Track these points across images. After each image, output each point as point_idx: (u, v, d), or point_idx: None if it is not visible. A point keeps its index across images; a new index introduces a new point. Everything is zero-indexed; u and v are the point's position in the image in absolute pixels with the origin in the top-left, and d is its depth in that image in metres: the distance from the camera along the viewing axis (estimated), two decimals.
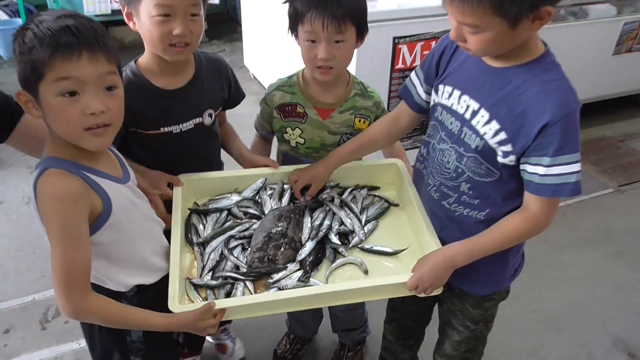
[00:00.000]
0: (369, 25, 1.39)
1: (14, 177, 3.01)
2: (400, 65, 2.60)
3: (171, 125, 1.37)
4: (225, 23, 5.49)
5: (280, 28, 3.14)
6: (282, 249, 1.28)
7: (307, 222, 1.39)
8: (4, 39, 4.47)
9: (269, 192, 1.47)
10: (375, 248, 1.34)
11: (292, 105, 1.48)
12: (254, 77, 4.18)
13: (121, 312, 1.05)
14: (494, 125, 1.08)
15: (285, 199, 1.44)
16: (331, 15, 1.28)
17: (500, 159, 1.10)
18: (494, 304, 1.39)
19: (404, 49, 2.56)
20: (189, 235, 1.33)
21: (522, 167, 1.09)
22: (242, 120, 1.82)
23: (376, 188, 1.55)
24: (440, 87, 1.22)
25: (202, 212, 1.40)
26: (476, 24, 0.97)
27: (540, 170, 1.05)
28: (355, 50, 1.40)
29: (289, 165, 1.51)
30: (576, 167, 1.03)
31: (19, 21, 4.48)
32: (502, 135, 1.07)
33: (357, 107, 1.49)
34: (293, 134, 1.50)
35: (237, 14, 5.08)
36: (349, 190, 1.51)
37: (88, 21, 0.95)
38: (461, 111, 1.15)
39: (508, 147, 1.08)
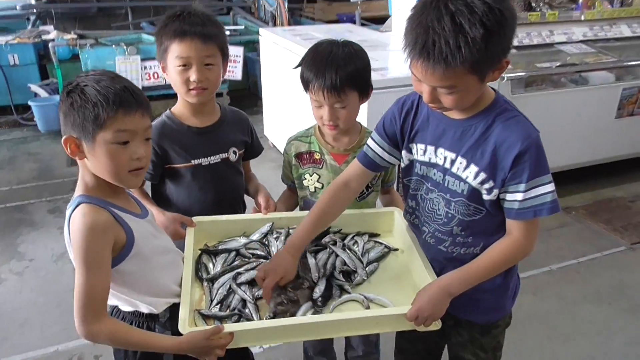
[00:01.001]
0: (380, 91, 1.55)
1: (44, 237, 3.20)
2: None
3: (200, 158, 1.60)
4: (247, 98, 5.87)
5: (295, 102, 3.43)
6: (300, 289, 1.35)
7: (312, 262, 1.47)
8: (43, 114, 4.87)
9: (275, 235, 1.58)
10: (376, 300, 1.35)
11: (309, 153, 1.63)
12: (273, 145, 4.41)
13: (128, 334, 1.15)
14: (473, 168, 1.19)
15: None
16: (330, 86, 1.43)
17: (485, 197, 1.20)
18: (501, 331, 1.44)
19: None
20: (199, 272, 1.44)
21: (501, 196, 1.19)
22: (262, 182, 1.92)
23: (376, 235, 1.63)
24: (413, 146, 1.32)
25: (212, 252, 1.51)
26: (453, 84, 1.08)
27: (519, 196, 1.15)
28: (367, 113, 1.55)
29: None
30: (550, 187, 1.14)
31: (57, 98, 4.87)
32: (482, 175, 1.18)
33: None
34: (311, 179, 1.63)
35: (258, 89, 5.44)
36: (350, 236, 1.61)
37: (135, 86, 1.17)
38: (440, 163, 1.26)
39: (490, 184, 1.18)
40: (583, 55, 3.39)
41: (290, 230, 1.57)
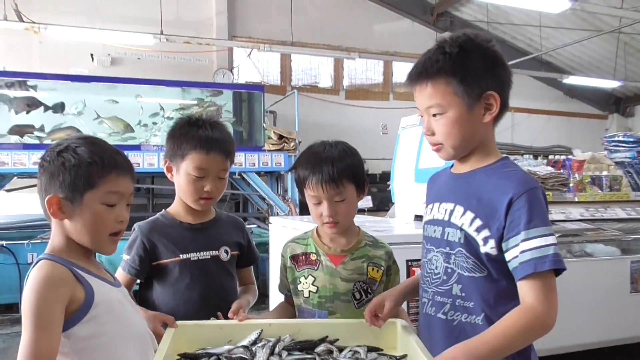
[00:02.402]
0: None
1: None
2: None
3: (189, 253, 1.55)
4: None
5: None
6: None
7: None
8: None
9: (263, 342, 1.43)
10: None
11: (305, 254, 1.59)
12: None
13: None
14: (469, 215, 1.20)
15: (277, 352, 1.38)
16: (328, 178, 1.47)
17: (482, 249, 1.17)
18: None
19: (418, 271, 2.70)
20: None
21: (506, 257, 1.14)
22: None
23: (379, 349, 1.47)
24: (426, 210, 1.37)
25: (191, 357, 1.36)
26: (440, 103, 1.18)
27: (519, 249, 1.11)
28: None
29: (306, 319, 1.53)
30: (551, 239, 1.10)
31: None
32: (478, 222, 1.18)
33: (369, 256, 1.57)
34: (306, 282, 1.56)
35: (267, 289, 5.42)
36: (348, 348, 1.45)
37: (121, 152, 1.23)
38: (440, 217, 1.28)
39: (486, 232, 1.16)
40: (584, 230, 3.45)
41: (282, 339, 1.43)
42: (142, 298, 1.59)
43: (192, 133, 1.55)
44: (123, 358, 1.15)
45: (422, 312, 1.36)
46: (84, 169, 1.12)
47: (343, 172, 1.48)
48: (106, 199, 1.13)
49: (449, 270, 1.24)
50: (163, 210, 1.66)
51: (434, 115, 1.22)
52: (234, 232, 1.70)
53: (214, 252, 1.61)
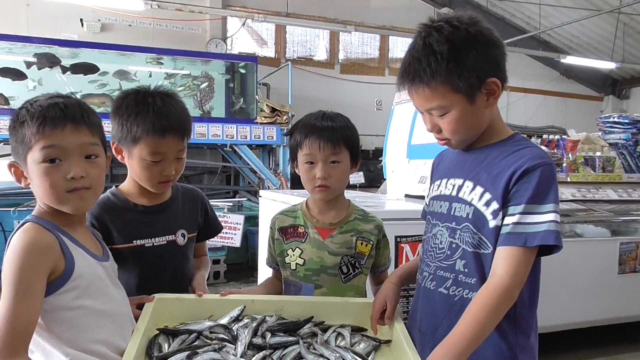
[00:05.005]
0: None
1: None
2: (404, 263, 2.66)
3: (144, 239, 1.45)
4: (244, 270, 5.79)
5: None
6: None
7: None
8: None
9: (246, 321, 1.39)
10: None
11: (293, 227, 1.56)
12: None
13: None
14: (478, 189, 1.17)
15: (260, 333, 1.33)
16: (327, 138, 1.46)
17: (491, 223, 1.14)
18: None
19: (407, 248, 2.67)
20: (151, 350, 1.23)
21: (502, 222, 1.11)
22: None
23: (363, 329, 1.45)
24: (432, 187, 1.35)
25: (170, 333, 1.32)
26: (441, 105, 1.14)
27: (514, 219, 1.09)
28: None
29: (289, 295, 1.51)
30: (551, 216, 1.07)
31: None
32: (487, 196, 1.15)
33: (358, 230, 1.54)
34: (293, 254, 1.53)
35: (255, 262, 5.42)
36: (333, 328, 1.42)
37: (77, 101, 1.12)
38: (447, 192, 1.26)
39: (495, 205, 1.14)
40: (575, 211, 3.43)
41: (267, 318, 1.39)
42: None
43: (143, 113, 1.37)
44: (96, 334, 1.10)
45: (420, 286, 1.33)
46: (18, 130, 1.05)
47: (341, 137, 1.48)
48: (43, 155, 1.02)
49: (454, 245, 1.22)
50: (114, 187, 1.52)
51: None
52: (192, 210, 1.59)
53: (170, 237, 1.50)
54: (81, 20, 7.66)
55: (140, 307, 1.33)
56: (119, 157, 1.45)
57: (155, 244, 1.46)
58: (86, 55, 6.24)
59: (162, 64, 6.68)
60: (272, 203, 4.01)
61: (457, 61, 1.09)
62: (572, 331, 3.29)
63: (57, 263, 1.02)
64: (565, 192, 3.62)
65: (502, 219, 1.13)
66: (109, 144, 1.26)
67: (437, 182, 1.33)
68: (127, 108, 1.40)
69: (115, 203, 1.47)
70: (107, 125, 1.22)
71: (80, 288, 1.05)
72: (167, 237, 1.49)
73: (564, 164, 3.70)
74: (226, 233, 4.89)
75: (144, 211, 1.48)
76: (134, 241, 1.44)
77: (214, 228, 1.67)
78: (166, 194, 1.53)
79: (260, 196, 4.36)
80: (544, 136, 4.08)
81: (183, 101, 1.49)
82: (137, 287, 1.39)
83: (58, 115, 1.05)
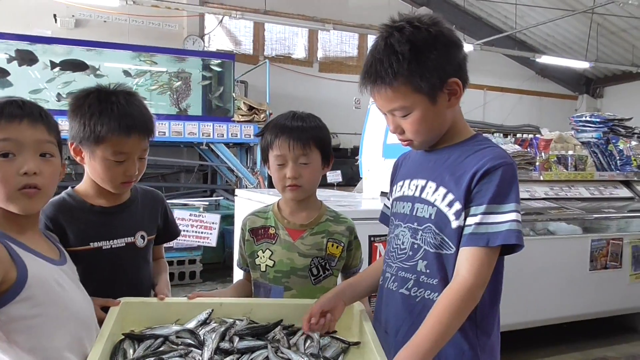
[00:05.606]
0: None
1: None
2: None
3: (101, 241, 1.41)
4: (221, 270, 5.74)
5: None
6: None
7: None
8: None
9: (214, 325, 1.37)
10: None
11: (264, 228, 1.55)
12: None
13: None
14: (441, 190, 1.17)
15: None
16: (297, 138, 1.44)
17: (454, 224, 1.14)
18: None
19: (380, 247, 2.68)
20: (115, 356, 1.21)
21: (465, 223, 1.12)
22: None
23: (332, 332, 1.44)
24: (394, 188, 1.34)
25: (135, 338, 1.29)
26: (403, 105, 1.14)
27: (476, 219, 1.09)
28: None
29: (259, 298, 1.49)
30: (512, 216, 1.08)
31: None
32: (450, 197, 1.15)
33: (329, 232, 1.53)
34: (263, 256, 1.52)
35: (232, 262, 5.38)
36: (300, 332, 1.41)
37: (36, 103, 1.10)
38: (410, 193, 1.25)
39: (458, 206, 1.14)
40: (547, 209, 3.48)
41: (237, 322, 1.37)
42: None
43: (106, 112, 1.34)
44: (57, 340, 1.06)
45: (383, 287, 1.32)
46: None
47: (311, 137, 1.47)
48: None
49: (415, 246, 1.22)
50: (70, 188, 1.47)
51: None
52: (151, 212, 1.56)
53: (129, 239, 1.47)
54: (55, 15, 7.50)
55: (105, 309, 1.30)
56: (77, 158, 1.41)
57: (113, 246, 1.43)
58: (62, 51, 6.10)
59: (156, 63, 6.55)
60: (248, 202, 3.99)
61: (418, 61, 1.09)
62: (545, 327, 3.34)
63: (8, 272, 0.98)
64: (538, 191, 3.68)
65: (465, 219, 1.13)
66: (66, 144, 1.22)
67: (400, 183, 1.32)
68: (89, 107, 1.36)
69: (70, 204, 1.42)
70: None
71: (36, 295, 1.01)
72: (125, 239, 1.46)
73: (537, 163, 3.74)
74: (202, 232, 4.84)
75: (101, 212, 1.44)
76: (91, 243, 1.40)
77: (173, 232, 1.65)
78: (125, 195, 1.50)
79: (236, 195, 4.33)
80: (518, 135, 4.13)
81: (143, 100, 1.47)
82: (95, 292, 1.32)
83: (15, 111, 1.03)
